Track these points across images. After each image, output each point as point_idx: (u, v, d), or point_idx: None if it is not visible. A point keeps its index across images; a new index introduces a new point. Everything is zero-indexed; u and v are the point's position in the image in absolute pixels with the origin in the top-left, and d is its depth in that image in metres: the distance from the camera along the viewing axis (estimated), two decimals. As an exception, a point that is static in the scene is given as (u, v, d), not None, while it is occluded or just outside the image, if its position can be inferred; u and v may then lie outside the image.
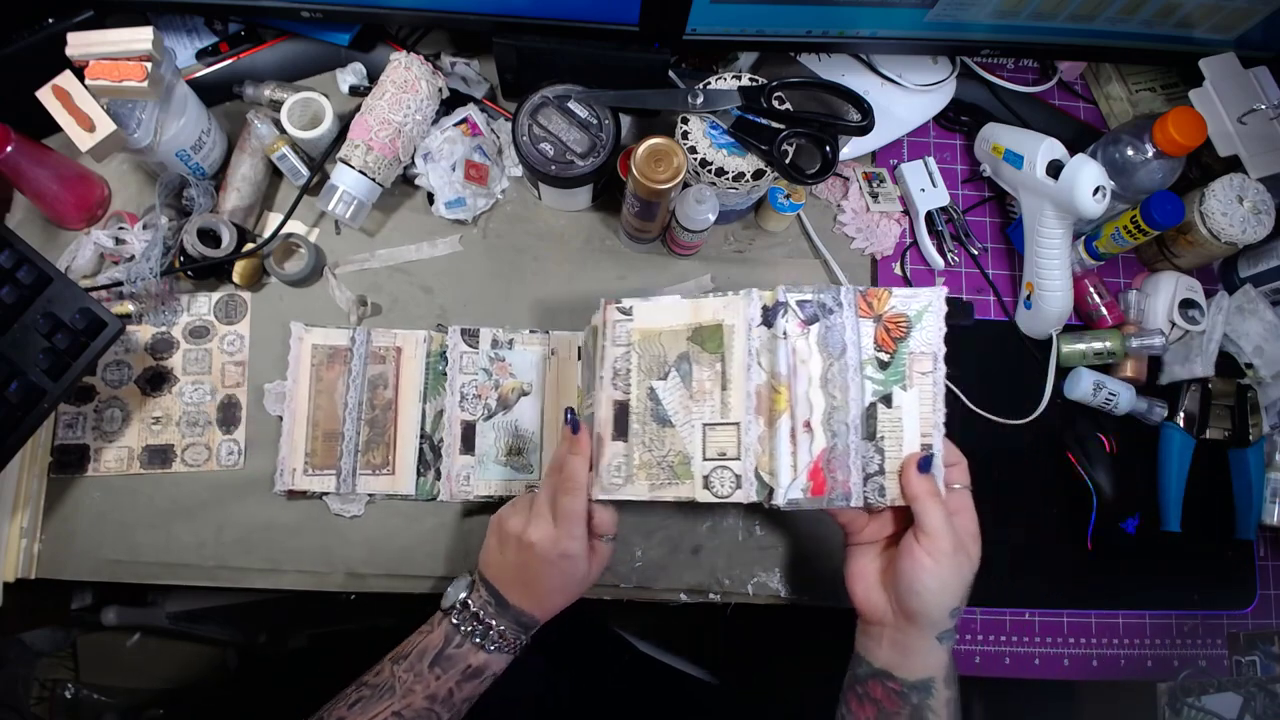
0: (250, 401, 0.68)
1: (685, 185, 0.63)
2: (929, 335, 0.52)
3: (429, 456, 0.67)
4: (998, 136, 0.72)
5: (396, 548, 0.67)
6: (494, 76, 0.72)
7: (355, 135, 0.66)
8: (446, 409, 0.67)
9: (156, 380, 0.68)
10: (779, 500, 0.51)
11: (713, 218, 0.63)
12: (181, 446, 0.67)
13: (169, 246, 0.66)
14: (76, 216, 0.68)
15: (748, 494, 0.52)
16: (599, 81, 0.63)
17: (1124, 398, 0.72)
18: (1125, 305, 0.74)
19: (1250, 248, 0.73)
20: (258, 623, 1.11)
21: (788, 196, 0.69)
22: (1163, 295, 0.74)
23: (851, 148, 0.74)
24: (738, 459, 0.52)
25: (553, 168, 0.63)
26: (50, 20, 0.61)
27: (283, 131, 0.67)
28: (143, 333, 0.68)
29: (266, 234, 0.68)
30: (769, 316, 0.53)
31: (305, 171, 0.69)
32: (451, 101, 0.70)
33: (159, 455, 0.66)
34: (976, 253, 0.77)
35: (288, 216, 0.68)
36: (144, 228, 0.66)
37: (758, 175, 0.62)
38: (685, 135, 0.62)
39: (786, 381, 0.52)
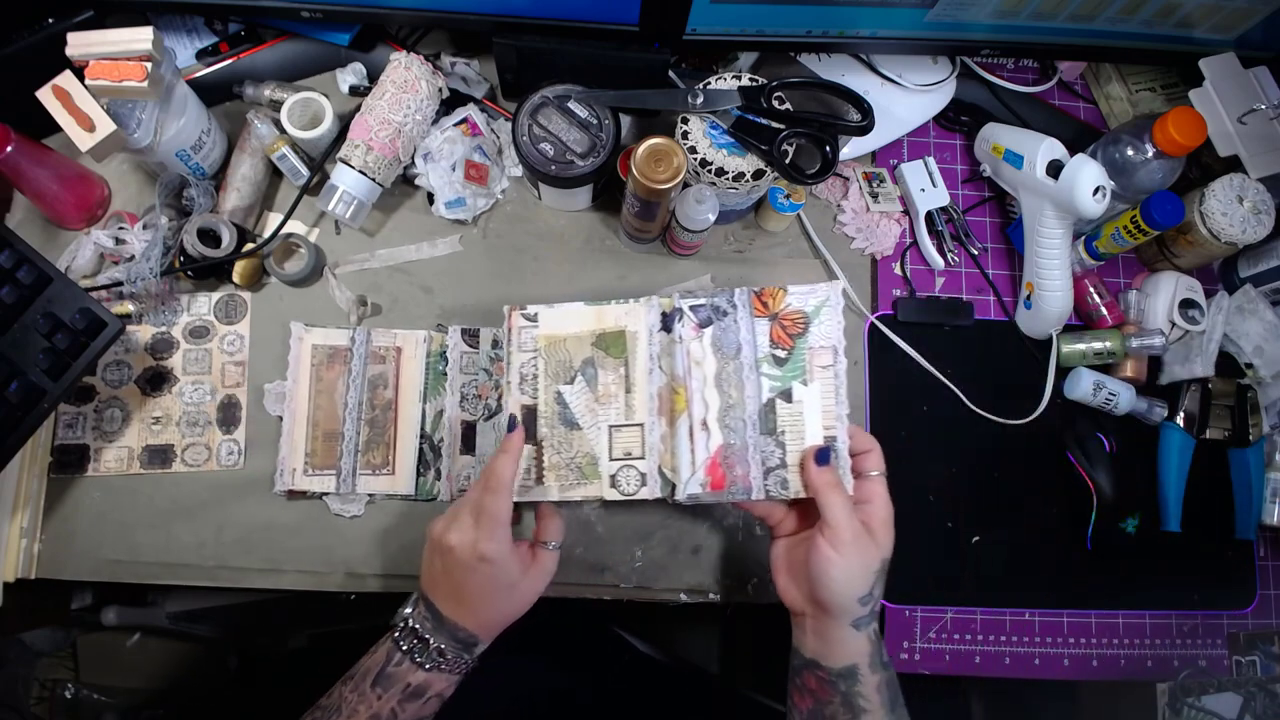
0: (250, 401, 0.68)
1: (685, 185, 0.63)
2: (828, 330, 0.54)
3: (429, 456, 0.67)
4: (998, 136, 0.72)
5: (396, 548, 0.67)
6: (494, 76, 0.72)
7: (355, 135, 0.66)
8: (447, 409, 0.67)
9: (156, 380, 0.68)
10: (680, 495, 0.54)
11: (713, 218, 0.63)
12: (181, 446, 0.67)
13: (169, 246, 0.66)
14: (76, 216, 0.68)
15: (652, 491, 0.54)
16: (599, 81, 0.63)
17: (1124, 398, 0.72)
18: (1125, 305, 0.74)
19: (1250, 248, 0.73)
20: (258, 623, 1.11)
21: (788, 196, 0.69)
22: (1163, 295, 0.74)
23: (851, 148, 0.74)
24: (642, 458, 0.55)
25: (553, 168, 0.63)
26: (50, 20, 0.61)
27: (283, 131, 0.67)
28: (143, 333, 0.68)
29: (266, 234, 0.68)
30: (668, 322, 0.56)
31: (305, 171, 0.69)
32: (451, 101, 0.70)
33: (159, 455, 0.66)
34: (976, 253, 0.77)
35: (288, 216, 0.68)
36: (144, 228, 0.66)
37: (758, 175, 0.62)
38: (685, 135, 0.62)
39: (684, 383, 0.55)
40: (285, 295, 0.70)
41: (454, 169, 0.68)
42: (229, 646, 1.14)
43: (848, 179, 0.76)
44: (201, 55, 0.71)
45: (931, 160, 0.76)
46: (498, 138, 0.72)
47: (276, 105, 0.68)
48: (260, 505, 0.66)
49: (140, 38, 0.56)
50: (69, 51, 0.56)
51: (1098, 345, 0.73)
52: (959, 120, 0.79)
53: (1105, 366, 0.74)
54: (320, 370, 0.67)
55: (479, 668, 0.55)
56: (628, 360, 0.56)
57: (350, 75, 0.72)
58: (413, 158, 0.69)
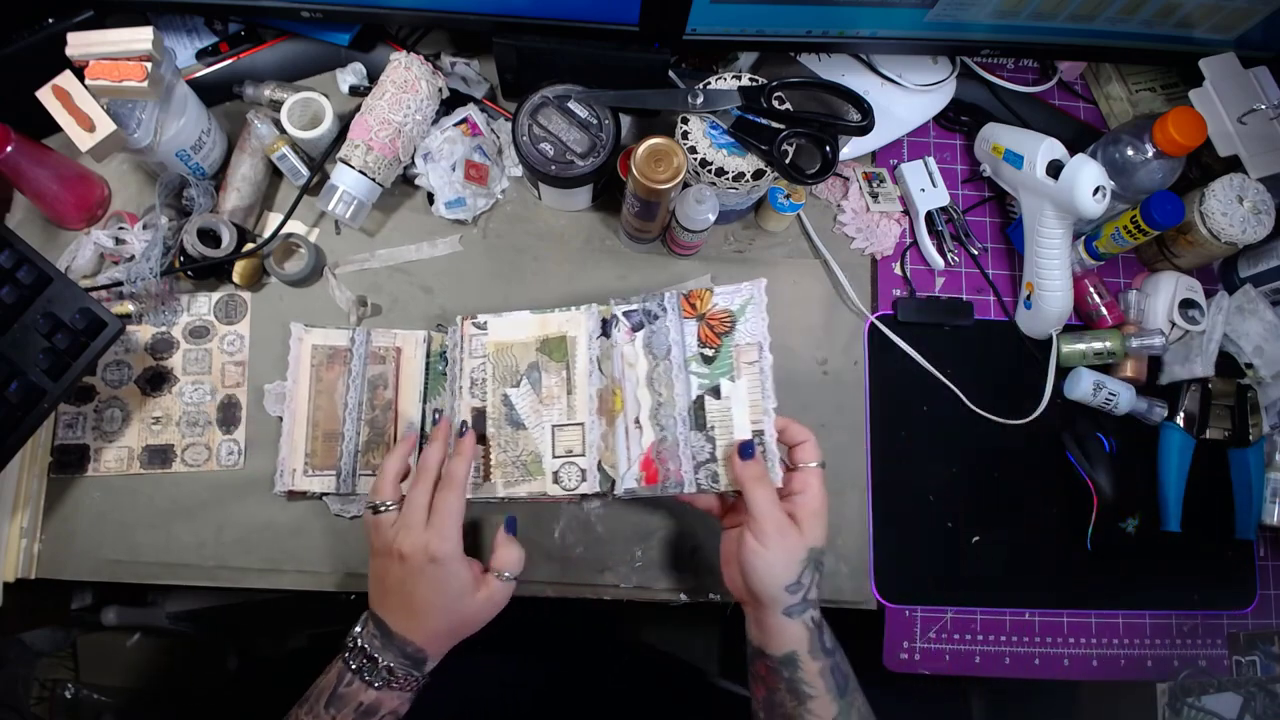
0: (250, 401, 0.68)
1: (685, 185, 0.63)
2: (753, 327, 0.57)
3: (429, 456, 0.67)
4: (998, 136, 0.72)
5: (396, 548, 0.67)
6: (494, 76, 0.72)
7: (355, 135, 0.66)
8: (455, 401, 0.67)
9: (156, 380, 0.68)
10: (619, 490, 0.57)
11: (713, 218, 0.63)
12: (181, 446, 0.67)
13: (169, 246, 0.66)
14: (76, 216, 0.68)
15: (592, 486, 0.58)
16: (599, 81, 0.63)
17: (1124, 398, 0.72)
18: (1125, 305, 0.74)
19: (1250, 248, 0.73)
20: (258, 623, 1.11)
21: (788, 196, 0.69)
22: (1163, 295, 0.74)
23: (851, 148, 0.74)
24: (583, 455, 0.58)
25: (553, 168, 0.63)
26: (50, 20, 0.61)
27: (283, 131, 0.67)
28: (143, 333, 0.68)
29: (266, 234, 0.68)
30: (606, 328, 0.61)
31: (305, 171, 0.69)
32: (451, 101, 0.70)
33: (159, 455, 0.66)
34: (976, 253, 0.77)
35: (288, 216, 0.68)
36: (144, 228, 0.66)
37: (758, 175, 0.62)
38: (685, 135, 0.62)
39: (621, 384, 0.59)
40: (285, 295, 0.70)
41: (454, 169, 0.68)
42: (229, 646, 1.14)
43: (848, 179, 0.76)
44: (201, 55, 0.71)
45: (931, 160, 0.76)
46: (498, 138, 0.72)
47: (276, 105, 0.68)
48: (260, 505, 0.66)
49: (140, 38, 0.56)
50: (69, 51, 0.56)
51: (1098, 345, 0.73)
52: (959, 120, 0.79)
53: (1105, 366, 0.74)
54: (320, 370, 0.67)
55: (479, 668, 0.55)
56: (569, 364, 0.60)
57: (350, 75, 0.72)
58: (413, 158, 0.69)
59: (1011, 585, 0.72)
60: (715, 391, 0.57)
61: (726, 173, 0.61)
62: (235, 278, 0.68)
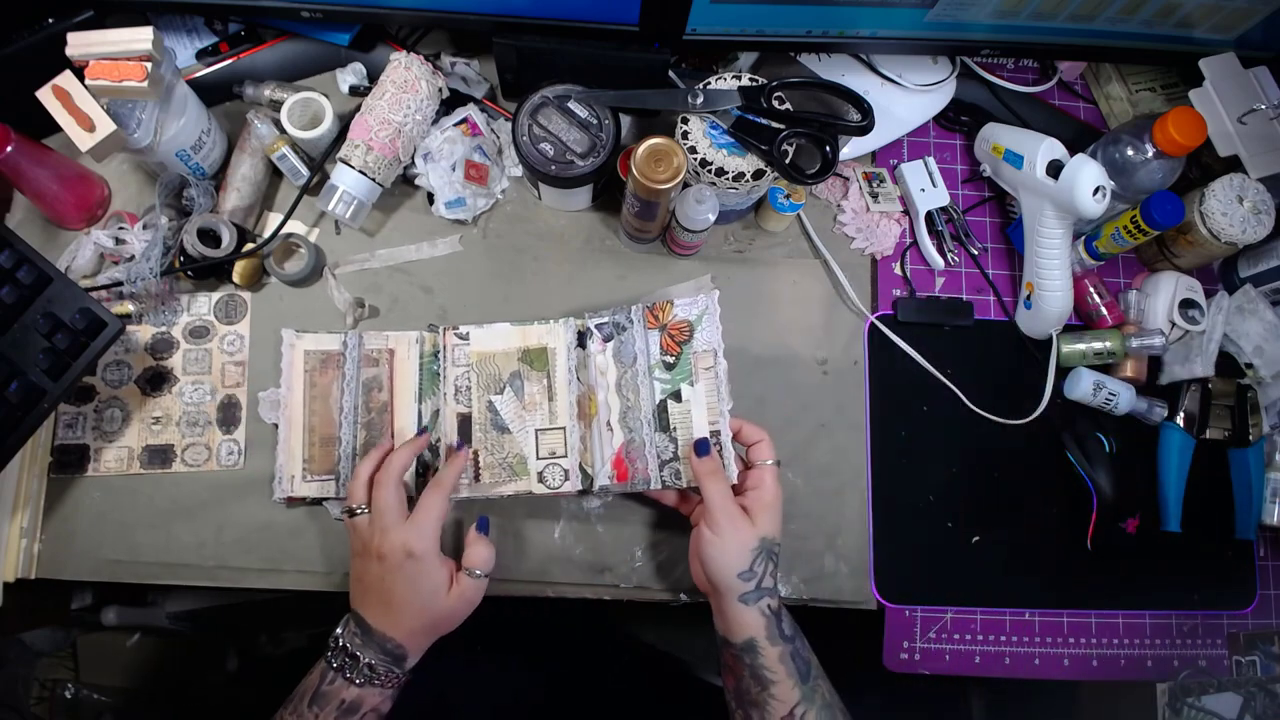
0: (250, 402, 0.68)
1: (685, 185, 0.63)
2: (708, 334, 0.62)
3: (427, 457, 0.67)
4: (998, 136, 0.72)
5: (396, 548, 0.67)
6: (494, 76, 0.72)
7: (355, 135, 0.66)
8: (441, 407, 0.67)
9: (156, 380, 0.68)
10: (595, 487, 0.62)
11: (713, 218, 0.63)
12: (181, 446, 0.67)
13: (169, 246, 0.66)
14: (76, 216, 0.68)
15: (574, 485, 0.62)
16: (599, 81, 0.63)
17: (1124, 398, 0.72)
18: (1125, 305, 0.74)
19: (1250, 248, 0.73)
20: (258, 623, 1.11)
21: (788, 196, 0.69)
22: (1163, 295, 0.74)
23: (851, 148, 0.74)
24: (565, 456, 0.63)
25: (553, 168, 0.63)
26: (50, 20, 0.61)
27: (283, 131, 0.67)
28: (143, 333, 0.68)
29: (266, 234, 0.68)
30: (582, 339, 0.65)
31: (305, 171, 0.69)
32: (451, 101, 0.70)
33: (159, 455, 0.66)
34: (976, 253, 0.77)
35: (288, 216, 0.68)
36: (144, 228, 0.66)
37: (758, 175, 0.62)
38: (685, 135, 0.62)
39: (594, 390, 0.64)
40: (285, 295, 0.70)
41: (454, 169, 0.68)
42: (229, 646, 1.13)
43: (848, 179, 0.76)
44: (201, 55, 0.71)
45: (931, 160, 0.76)
46: (498, 138, 0.72)
47: (276, 105, 0.68)
48: (260, 505, 0.66)
49: (140, 38, 0.56)
50: (69, 51, 0.56)
51: (1098, 345, 0.73)
52: (959, 120, 0.79)
53: (1105, 366, 0.74)
54: (314, 376, 0.66)
55: (479, 667, 0.55)
56: (549, 373, 0.64)
57: (350, 75, 0.72)
58: (413, 158, 0.69)
59: (1011, 585, 0.72)
60: (677, 396, 0.62)
61: (726, 173, 0.61)
62: (235, 278, 0.68)
